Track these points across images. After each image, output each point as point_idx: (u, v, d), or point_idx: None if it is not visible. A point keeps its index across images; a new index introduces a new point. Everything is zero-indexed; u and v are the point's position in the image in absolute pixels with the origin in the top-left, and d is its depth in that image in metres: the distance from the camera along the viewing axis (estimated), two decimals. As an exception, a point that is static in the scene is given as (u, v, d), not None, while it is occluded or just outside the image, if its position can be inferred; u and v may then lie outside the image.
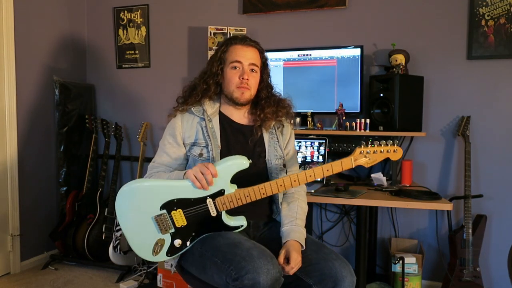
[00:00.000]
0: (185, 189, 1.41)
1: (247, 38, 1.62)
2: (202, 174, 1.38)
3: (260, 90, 1.64)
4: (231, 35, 2.77)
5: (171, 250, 1.44)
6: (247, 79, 1.55)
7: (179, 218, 1.42)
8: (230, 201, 1.41)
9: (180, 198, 1.41)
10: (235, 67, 1.57)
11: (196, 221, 1.43)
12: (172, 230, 1.43)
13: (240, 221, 1.46)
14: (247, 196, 1.42)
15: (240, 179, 1.44)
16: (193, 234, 1.44)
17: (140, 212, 1.43)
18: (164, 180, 1.48)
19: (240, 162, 1.41)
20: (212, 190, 1.41)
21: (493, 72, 2.47)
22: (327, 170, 1.42)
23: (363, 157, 1.40)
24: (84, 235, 2.84)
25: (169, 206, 1.42)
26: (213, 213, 1.42)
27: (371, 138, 1.40)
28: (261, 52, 1.64)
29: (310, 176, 1.42)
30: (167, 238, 1.43)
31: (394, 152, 1.41)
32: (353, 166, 1.42)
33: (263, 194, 1.43)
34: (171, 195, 1.41)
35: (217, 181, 1.40)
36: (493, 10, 2.44)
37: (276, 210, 1.62)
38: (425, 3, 2.57)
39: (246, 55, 1.57)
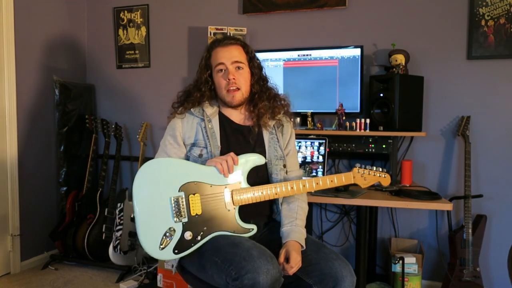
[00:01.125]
0: (207, 174, 1.44)
1: (226, 38, 1.61)
2: (224, 160, 1.42)
3: (252, 85, 1.61)
4: (231, 35, 2.78)
5: (180, 245, 1.40)
6: (234, 78, 1.54)
7: (196, 204, 1.42)
8: (245, 196, 1.44)
9: (200, 181, 1.43)
10: (220, 70, 1.56)
11: (210, 213, 1.43)
12: (185, 220, 1.41)
13: (251, 225, 1.47)
14: (261, 193, 1.46)
15: None
16: (205, 229, 1.42)
17: (158, 190, 1.41)
18: (186, 161, 1.51)
19: (257, 158, 1.49)
20: (230, 180, 1.45)
21: (493, 72, 2.47)
22: (331, 181, 1.52)
23: (360, 176, 1.54)
24: (84, 235, 2.84)
25: (188, 188, 1.42)
26: (228, 206, 1.44)
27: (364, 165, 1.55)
28: (244, 47, 1.61)
29: (317, 184, 1.51)
30: (178, 228, 1.40)
31: (384, 178, 1.57)
32: (352, 182, 1.54)
33: (276, 194, 1.48)
34: (192, 177, 1.43)
35: (235, 172, 1.45)
36: (493, 10, 2.44)
37: (276, 210, 1.62)
38: (425, 3, 2.57)
39: (226, 55, 1.55)
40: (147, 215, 1.41)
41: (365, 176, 1.54)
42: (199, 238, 1.41)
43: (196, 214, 1.41)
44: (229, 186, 1.45)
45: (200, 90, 1.60)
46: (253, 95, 1.62)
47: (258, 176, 1.57)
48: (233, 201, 1.44)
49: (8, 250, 2.76)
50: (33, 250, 2.93)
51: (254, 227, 1.47)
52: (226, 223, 1.43)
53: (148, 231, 1.40)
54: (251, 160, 1.49)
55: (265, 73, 1.67)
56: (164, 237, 1.39)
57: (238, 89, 1.55)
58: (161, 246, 1.39)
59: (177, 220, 1.40)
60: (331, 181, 1.51)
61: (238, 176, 1.46)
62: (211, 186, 1.43)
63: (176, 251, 1.40)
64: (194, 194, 1.41)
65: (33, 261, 2.91)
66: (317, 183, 1.50)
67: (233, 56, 1.56)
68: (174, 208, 1.40)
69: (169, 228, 1.40)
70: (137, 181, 1.42)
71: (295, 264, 1.38)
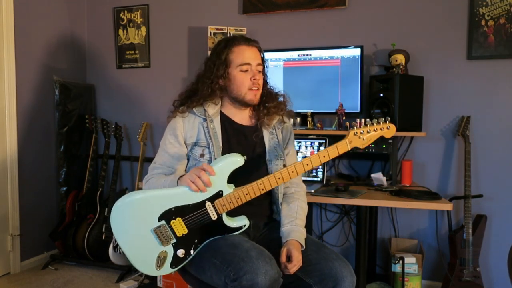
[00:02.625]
0: (182, 195, 1.38)
1: (248, 38, 1.62)
2: (198, 177, 1.35)
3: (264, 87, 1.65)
4: (231, 35, 2.78)
5: (175, 261, 1.41)
6: (258, 79, 1.56)
7: (179, 227, 1.38)
8: (230, 202, 1.39)
9: (178, 205, 1.38)
10: (246, 70, 1.55)
11: (198, 228, 1.40)
12: (174, 241, 1.39)
13: (242, 221, 1.43)
14: (246, 194, 1.39)
15: (240, 181, 1.44)
16: (196, 241, 1.40)
17: (137, 227, 1.38)
18: (158, 190, 1.43)
19: (235, 160, 1.38)
20: (210, 193, 1.39)
21: (493, 72, 2.47)
22: (324, 157, 1.39)
23: (358, 138, 1.39)
24: (84, 235, 2.84)
25: (168, 215, 1.38)
26: (214, 216, 1.39)
27: (364, 118, 1.41)
28: (260, 51, 1.64)
29: (307, 164, 1.40)
30: (169, 249, 1.39)
31: (388, 129, 1.41)
32: (349, 149, 1.39)
33: (262, 189, 1.40)
34: (168, 204, 1.38)
35: (214, 183, 1.37)
36: (493, 10, 2.43)
37: (276, 210, 1.62)
38: (425, 3, 2.56)
39: (253, 56, 1.57)
40: (135, 249, 1.41)
41: (364, 136, 1.40)
42: (192, 251, 1.41)
43: (183, 234, 1.39)
44: (210, 199, 1.38)
45: (210, 86, 1.57)
46: (262, 97, 1.64)
47: (258, 177, 1.57)
48: (217, 212, 1.39)
49: (8, 250, 2.76)
50: (33, 250, 2.93)
51: (246, 222, 1.43)
52: (216, 229, 1.41)
53: (141, 260, 1.41)
54: (229, 163, 1.39)
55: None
56: (158, 260, 1.39)
57: (259, 89, 1.58)
58: (158, 267, 1.40)
59: (166, 244, 1.39)
60: (324, 156, 1.39)
61: (218, 185, 1.38)
62: (190, 206, 1.39)
63: (174, 266, 1.41)
64: (175, 219, 1.38)
65: (33, 261, 2.91)
66: (307, 164, 1.39)
67: (258, 58, 1.58)
68: (159, 237, 1.39)
69: (161, 252, 1.39)
70: (114, 221, 1.40)
71: (297, 261, 1.38)
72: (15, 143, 2.77)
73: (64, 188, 3.05)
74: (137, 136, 2.96)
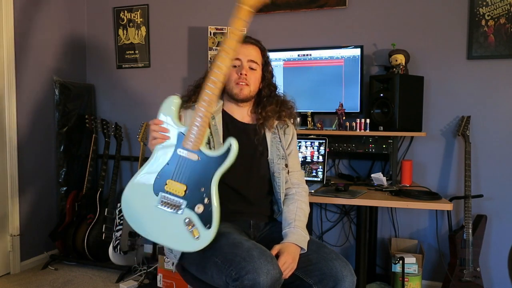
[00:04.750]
0: (157, 161, 1.37)
1: (247, 36, 1.63)
2: (153, 130, 1.36)
3: (262, 88, 1.64)
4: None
5: (204, 219, 1.33)
6: (245, 75, 1.56)
7: (175, 187, 1.36)
8: (192, 135, 1.35)
9: (159, 171, 1.37)
10: (236, 65, 1.58)
11: (192, 177, 1.35)
12: (183, 202, 1.35)
13: (227, 144, 1.35)
14: (198, 117, 1.34)
15: (242, 178, 1.44)
16: (202, 189, 1.35)
17: (147, 212, 1.37)
18: (140, 170, 1.42)
19: (170, 101, 1.39)
20: (173, 141, 1.37)
21: (493, 72, 2.47)
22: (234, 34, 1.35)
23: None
24: (84, 235, 2.84)
25: (158, 185, 1.36)
26: (194, 157, 1.35)
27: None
28: (262, 51, 1.64)
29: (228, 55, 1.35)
30: (188, 212, 1.34)
31: None
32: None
33: (205, 115, 1.35)
34: (152, 176, 1.37)
35: (171, 131, 1.36)
36: (493, 10, 2.44)
37: (278, 210, 1.62)
38: (425, 3, 2.57)
39: (244, 52, 1.58)
40: (162, 234, 1.37)
41: None
42: (207, 199, 1.34)
43: (185, 191, 1.35)
44: (178, 145, 1.36)
45: None
46: (262, 97, 1.64)
47: (259, 175, 1.59)
48: (192, 151, 1.35)
49: (8, 250, 2.75)
50: (33, 250, 2.93)
51: (231, 142, 1.34)
52: (210, 166, 1.35)
53: (177, 241, 1.36)
54: (168, 105, 1.38)
55: (275, 81, 1.70)
56: (189, 231, 1.34)
57: (247, 85, 1.58)
58: (196, 237, 1.34)
59: (180, 209, 1.35)
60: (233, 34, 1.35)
61: (174, 131, 1.37)
62: (168, 163, 1.36)
63: (208, 225, 1.33)
64: (166, 184, 1.36)
65: (33, 261, 2.91)
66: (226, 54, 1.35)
67: (250, 55, 1.59)
68: (168, 208, 1.36)
69: (183, 221, 1.35)
70: (131, 221, 1.39)
71: (281, 264, 1.35)
72: (15, 143, 2.76)
73: (64, 188, 3.05)
74: (137, 136, 2.96)
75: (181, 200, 1.35)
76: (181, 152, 1.36)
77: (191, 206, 1.34)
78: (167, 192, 1.36)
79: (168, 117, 1.38)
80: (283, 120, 1.65)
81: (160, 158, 1.38)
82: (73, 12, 3.23)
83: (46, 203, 3.03)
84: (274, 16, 2.86)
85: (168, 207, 1.36)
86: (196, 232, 1.33)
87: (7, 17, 2.68)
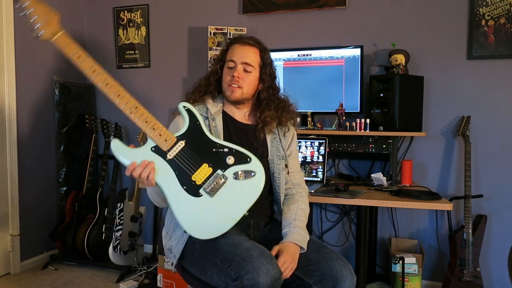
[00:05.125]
0: (168, 181, 1.34)
1: (248, 37, 1.62)
2: (138, 174, 1.32)
3: (260, 91, 1.62)
4: (233, 36, 2.78)
5: (240, 159, 1.39)
6: (238, 77, 1.55)
7: (201, 174, 1.36)
8: (159, 136, 1.35)
9: (179, 183, 1.35)
10: (230, 66, 1.58)
11: (198, 154, 1.37)
12: (219, 172, 1.36)
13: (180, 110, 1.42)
14: (141, 121, 1.40)
15: None
16: (214, 150, 1.38)
17: (216, 211, 1.36)
18: (169, 203, 1.39)
19: (112, 145, 1.40)
20: (156, 159, 1.34)
21: (493, 72, 2.47)
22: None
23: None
24: (84, 235, 2.84)
25: (193, 189, 1.34)
26: (181, 144, 1.37)
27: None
28: (262, 52, 1.61)
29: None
30: (229, 172, 1.37)
31: None
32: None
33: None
34: (181, 192, 1.34)
35: (144, 157, 1.34)
36: (493, 10, 2.44)
37: (278, 210, 1.62)
38: (425, 3, 2.57)
39: (239, 54, 1.57)
40: (237, 206, 1.38)
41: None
42: (225, 149, 1.39)
43: (208, 166, 1.36)
44: (165, 156, 1.35)
45: (208, 80, 1.63)
46: (261, 101, 1.62)
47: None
48: (174, 146, 1.36)
49: (8, 250, 2.75)
50: (33, 250, 2.93)
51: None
52: (195, 137, 1.38)
53: (248, 197, 1.39)
54: (116, 149, 1.38)
55: (278, 83, 1.67)
56: (245, 177, 1.38)
57: (240, 87, 1.56)
58: (253, 175, 1.38)
59: (224, 178, 1.37)
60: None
61: (145, 154, 1.35)
62: (177, 172, 1.35)
63: (248, 159, 1.40)
64: (194, 182, 1.35)
65: (33, 261, 2.91)
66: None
67: (245, 57, 1.57)
68: (219, 188, 1.36)
69: (235, 178, 1.37)
70: (215, 234, 1.37)
71: (281, 264, 1.35)
72: (15, 143, 2.76)
73: (64, 188, 3.05)
74: (137, 136, 2.95)
75: (215, 173, 1.37)
76: (170, 155, 1.37)
77: (224, 166, 1.38)
78: (202, 184, 1.37)
79: (129, 154, 1.36)
80: (284, 124, 1.64)
81: (167, 178, 1.35)
82: (73, 12, 3.23)
83: (46, 203, 3.03)
84: (274, 16, 2.86)
85: (217, 188, 1.37)
86: (248, 173, 1.38)
87: (7, 17, 2.68)
